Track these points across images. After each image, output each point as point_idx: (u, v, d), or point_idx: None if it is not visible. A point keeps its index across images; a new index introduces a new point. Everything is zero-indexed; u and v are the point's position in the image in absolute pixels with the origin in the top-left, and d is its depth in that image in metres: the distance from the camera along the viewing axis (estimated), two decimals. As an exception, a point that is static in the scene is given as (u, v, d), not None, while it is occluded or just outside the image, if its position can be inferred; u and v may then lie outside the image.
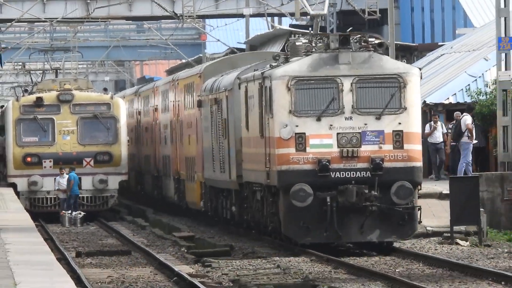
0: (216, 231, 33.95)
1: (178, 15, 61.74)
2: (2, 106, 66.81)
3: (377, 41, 27.42)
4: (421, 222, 28.14)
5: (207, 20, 77.52)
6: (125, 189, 60.92)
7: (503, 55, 38.71)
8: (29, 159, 48.46)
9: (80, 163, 48.18)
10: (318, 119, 23.45)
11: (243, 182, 28.85)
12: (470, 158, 37.13)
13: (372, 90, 23.97)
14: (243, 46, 51.52)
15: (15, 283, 12.67)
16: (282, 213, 23.79)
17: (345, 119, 23.67)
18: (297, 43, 27.10)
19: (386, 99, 23.85)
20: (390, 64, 25.89)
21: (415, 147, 24.45)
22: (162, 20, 78.66)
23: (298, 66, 24.07)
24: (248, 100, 26.82)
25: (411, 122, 24.01)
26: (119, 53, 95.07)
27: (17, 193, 45.27)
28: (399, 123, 23.56)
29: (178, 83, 45.21)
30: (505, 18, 38.44)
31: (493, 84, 41.23)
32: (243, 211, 30.05)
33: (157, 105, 49.25)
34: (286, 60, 25.54)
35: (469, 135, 34.77)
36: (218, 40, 73.25)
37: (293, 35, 40.79)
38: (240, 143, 28.71)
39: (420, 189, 26.94)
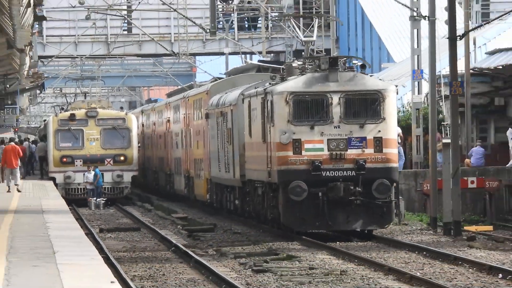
0: (220, 218, 34.50)
1: (176, 53, 62.00)
2: (45, 120, 67.50)
3: (360, 63, 27.49)
4: (399, 213, 28.19)
5: (197, 57, 76.86)
6: (142, 184, 62.59)
7: (416, 83, 41.39)
8: (65, 159, 49.29)
9: (103, 163, 49.18)
10: (312, 128, 22.97)
11: (246, 180, 28.15)
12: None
13: (356, 103, 23.48)
14: (224, 76, 51.08)
15: (54, 251, 13.75)
16: (281, 205, 23.42)
17: (334, 128, 23.16)
18: (293, 65, 26.73)
19: (368, 111, 23.40)
20: (371, 82, 25.54)
21: (392, 151, 24.07)
22: (164, 57, 78.04)
23: (295, 83, 23.78)
24: (251, 112, 26.34)
25: (389, 130, 23.67)
26: (132, 81, 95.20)
27: (56, 185, 45.59)
28: (379, 131, 23.12)
29: (188, 100, 44.72)
30: (417, 56, 40.60)
31: (408, 104, 42.06)
32: (245, 203, 29.62)
33: (169, 117, 49.96)
34: (283, 79, 25.33)
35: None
36: (205, 72, 74.03)
37: (261, 68, 40.29)
38: (243, 147, 28.22)
39: (396, 186, 26.10)
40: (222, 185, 34.48)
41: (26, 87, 62.08)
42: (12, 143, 42.56)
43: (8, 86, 53.86)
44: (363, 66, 27.38)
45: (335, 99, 23.35)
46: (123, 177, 50.24)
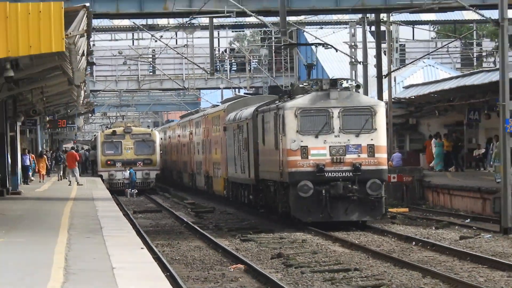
0: (235, 208, 32.57)
1: (186, 87, 62.51)
2: (95, 135, 68.33)
3: (355, 84, 26.29)
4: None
5: (201, 90, 76.45)
6: (166, 181, 60.99)
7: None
8: (109, 162, 48.91)
9: (135, 164, 48.75)
10: (316, 137, 21.26)
11: (260, 179, 26.12)
12: None
13: (353, 117, 21.73)
14: (219, 104, 51.01)
15: (101, 227, 14.14)
16: (291, 201, 21.83)
17: (335, 137, 21.42)
18: (300, 86, 24.94)
19: (362, 123, 21.63)
20: (364, 99, 24.07)
21: (383, 156, 22.24)
22: (178, 90, 77.95)
23: (302, 100, 22.27)
24: (264, 125, 24.54)
25: (380, 138, 21.94)
26: (156, 107, 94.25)
27: (103, 180, 45.11)
28: (371, 139, 21.47)
29: (207, 117, 42.50)
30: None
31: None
32: (258, 198, 27.48)
33: (192, 131, 48.27)
34: (291, 98, 23.72)
35: None
36: (207, 101, 73.62)
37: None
38: (257, 153, 26.10)
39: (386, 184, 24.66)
40: (238, 183, 32.06)
41: (82, 112, 61.85)
42: (72, 151, 43.82)
43: (69, 111, 55.08)
44: (358, 86, 25.23)
45: (335, 113, 21.66)
46: (150, 175, 49.77)
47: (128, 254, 9.41)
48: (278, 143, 22.65)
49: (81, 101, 47.76)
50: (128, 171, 47.56)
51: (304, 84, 24.90)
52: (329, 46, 30.38)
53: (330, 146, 21.70)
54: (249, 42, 72.99)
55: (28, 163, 37.70)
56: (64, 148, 72.26)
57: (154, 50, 64.94)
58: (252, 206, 29.57)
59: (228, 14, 27.17)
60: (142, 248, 11.08)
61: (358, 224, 22.16)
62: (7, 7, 13.05)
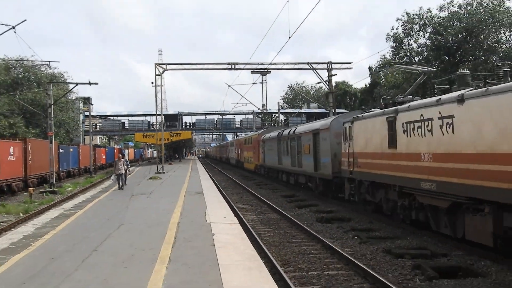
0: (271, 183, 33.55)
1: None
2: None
3: None
4: None
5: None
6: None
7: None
8: None
9: None
10: None
11: (338, 175, 22.28)
12: None
13: None
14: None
15: (206, 211, 17.33)
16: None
17: None
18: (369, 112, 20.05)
19: None
20: None
21: None
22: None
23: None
24: (360, 131, 18.92)
25: None
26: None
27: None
28: None
29: (252, 137, 51.31)
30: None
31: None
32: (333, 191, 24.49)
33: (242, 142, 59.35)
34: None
35: None
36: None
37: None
38: (334, 155, 22.67)
39: None
40: (275, 169, 37.23)
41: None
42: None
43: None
44: None
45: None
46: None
47: (218, 202, 19.53)
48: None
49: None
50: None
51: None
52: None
53: None
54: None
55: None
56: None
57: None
58: (290, 186, 32.79)
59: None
60: (224, 200, 20.26)
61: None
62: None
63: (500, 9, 38.98)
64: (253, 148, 48.78)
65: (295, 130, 31.02)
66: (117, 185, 28.70)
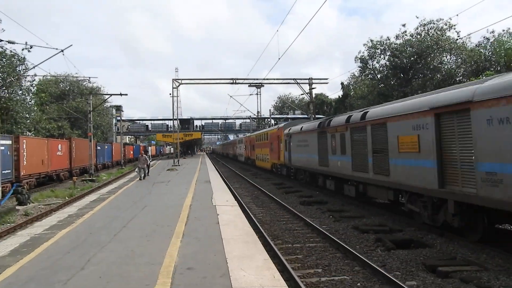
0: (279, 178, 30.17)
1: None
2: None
3: None
4: None
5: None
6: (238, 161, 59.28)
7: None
8: None
9: None
10: None
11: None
12: None
13: None
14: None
15: (212, 196, 16.81)
16: None
17: None
18: None
19: None
20: None
21: None
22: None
23: None
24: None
25: None
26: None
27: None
28: None
29: (268, 132, 35.80)
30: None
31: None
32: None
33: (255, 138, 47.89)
34: None
35: None
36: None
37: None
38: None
39: None
40: (314, 172, 21.75)
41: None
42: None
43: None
44: None
45: None
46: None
47: (222, 189, 19.50)
48: None
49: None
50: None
51: None
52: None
53: None
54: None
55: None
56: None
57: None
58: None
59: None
60: (226, 187, 20.36)
61: None
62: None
63: (443, 37, 39.41)
64: (269, 144, 34.77)
65: (364, 114, 15.08)
66: (139, 177, 27.17)
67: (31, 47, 32.82)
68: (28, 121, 39.92)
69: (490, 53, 39.61)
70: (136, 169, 28.88)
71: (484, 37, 41.40)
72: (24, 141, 27.07)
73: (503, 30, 39.74)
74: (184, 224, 10.71)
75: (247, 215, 14.63)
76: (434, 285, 7.60)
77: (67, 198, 23.21)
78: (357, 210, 16.06)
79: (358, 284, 7.81)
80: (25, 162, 26.85)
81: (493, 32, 40.27)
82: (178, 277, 6.35)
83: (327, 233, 11.64)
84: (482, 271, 8.25)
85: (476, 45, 41.38)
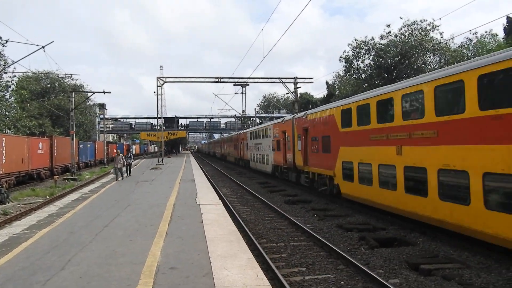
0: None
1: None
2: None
3: None
4: None
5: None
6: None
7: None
8: None
9: None
10: None
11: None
12: None
13: None
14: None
15: (197, 195, 17.69)
16: None
17: None
18: None
19: None
20: None
21: None
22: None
23: None
24: None
25: None
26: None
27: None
28: None
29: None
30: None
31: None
32: None
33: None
34: None
35: None
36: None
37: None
38: None
39: None
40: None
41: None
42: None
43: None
44: None
45: None
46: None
47: (206, 188, 19.50)
48: None
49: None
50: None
51: None
52: None
53: None
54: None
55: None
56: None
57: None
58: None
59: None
60: (211, 186, 20.44)
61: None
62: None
63: (426, 38, 39.88)
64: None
65: None
66: (116, 178, 25.15)
67: (6, 42, 32.15)
68: (7, 118, 39.24)
69: (472, 54, 40.33)
70: (112, 170, 27.38)
71: (467, 38, 42.19)
72: (3, 139, 26.63)
73: (486, 32, 40.65)
74: (168, 223, 10.65)
75: (231, 214, 14.62)
76: (417, 283, 7.69)
77: (47, 197, 22.93)
78: (341, 208, 16.17)
79: (342, 282, 7.87)
80: (4, 160, 26.43)
81: (476, 33, 41.06)
82: (160, 277, 6.31)
83: (311, 232, 11.69)
84: (464, 268, 8.42)
85: (459, 46, 42.08)
